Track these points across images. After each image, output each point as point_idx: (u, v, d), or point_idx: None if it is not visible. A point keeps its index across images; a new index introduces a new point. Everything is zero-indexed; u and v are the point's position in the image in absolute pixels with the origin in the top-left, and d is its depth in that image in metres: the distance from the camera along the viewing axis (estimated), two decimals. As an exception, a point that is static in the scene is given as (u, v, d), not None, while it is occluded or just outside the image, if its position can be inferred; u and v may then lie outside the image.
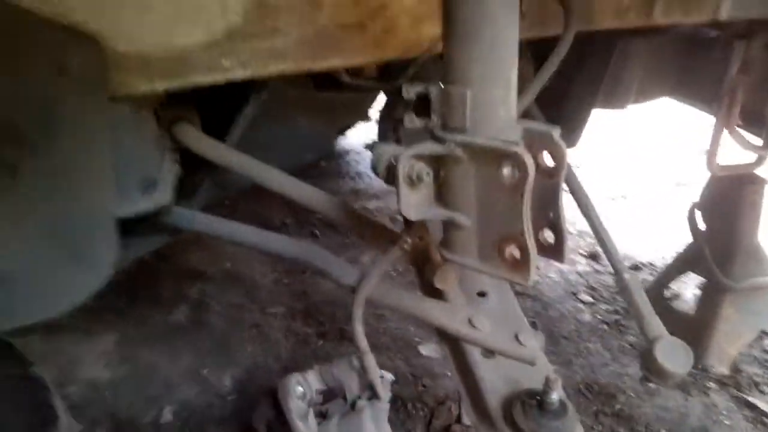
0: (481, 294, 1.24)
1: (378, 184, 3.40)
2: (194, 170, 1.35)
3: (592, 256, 2.65)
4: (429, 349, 1.94)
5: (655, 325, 1.02)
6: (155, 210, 1.19)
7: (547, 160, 0.86)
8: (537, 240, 0.87)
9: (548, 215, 0.89)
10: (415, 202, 0.88)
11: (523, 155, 0.80)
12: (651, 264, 2.60)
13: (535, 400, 0.98)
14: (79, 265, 1.04)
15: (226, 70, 0.97)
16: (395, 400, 1.69)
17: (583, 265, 2.61)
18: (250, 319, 2.08)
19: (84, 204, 1.02)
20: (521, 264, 0.85)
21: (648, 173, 3.65)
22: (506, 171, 0.83)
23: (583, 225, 2.93)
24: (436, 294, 1.24)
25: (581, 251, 2.72)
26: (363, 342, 1.15)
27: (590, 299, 2.33)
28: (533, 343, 1.06)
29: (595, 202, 1.41)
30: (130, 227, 1.15)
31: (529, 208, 0.82)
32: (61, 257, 1.02)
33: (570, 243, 2.80)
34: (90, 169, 1.00)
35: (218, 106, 1.33)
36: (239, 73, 0.99)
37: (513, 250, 0.86)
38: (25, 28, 0.82)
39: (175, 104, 1.21)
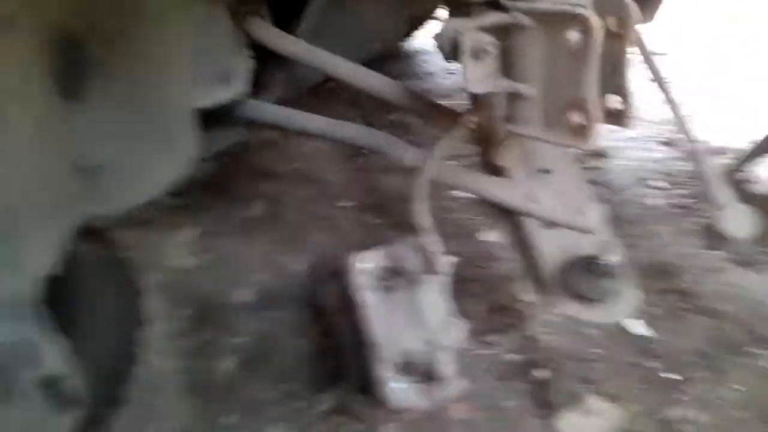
0: (545, 171, 1.25)
1: (447, 83, 3.35)
2: (267, 64, 1.40)
3: (669, 143, 2.56)
4: (490, 235, 1.99)
5: (723, 192, 1.00)
6: (231, 101, 1.26)
7: (616, 24, 0.85)
8: (603, 106, 0.88)
9: (615, 81, 0.88)
10: (480, 76, 0.89)
11: (589, 17, 0.79)
12: (735, 149, 2.48)
13: (591, 263, 1.02)
14: (162, 153, 1.12)
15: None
16: (458, 280, 1.76)
17: (658, 152, 2.54)
18: (322, 212, 2.16)
19: (166, 96, 1.08)
20: (585, 130, 0.86)
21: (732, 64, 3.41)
22: (573, 35, 0.82)
23: (661, 114, 2.81)
24: (499, 172, 1.26)
25: (658, 139, 2.63)
26: (425, 220, 1.20)
27: (663, 185, 2.29)
28: (594, 213, 1.08)
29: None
30: (209, 121, 1.22)
31: (595, 73, 0.82)
32: (147, 146, 1.10)
33: (646, 131, 2.70)
34: (170, 63, 1.06)
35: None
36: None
37: (577, 117, 0.87)
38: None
39: (246, 0, 1.23)
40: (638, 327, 1.60)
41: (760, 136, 1.88)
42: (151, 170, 1.11)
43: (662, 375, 1.48)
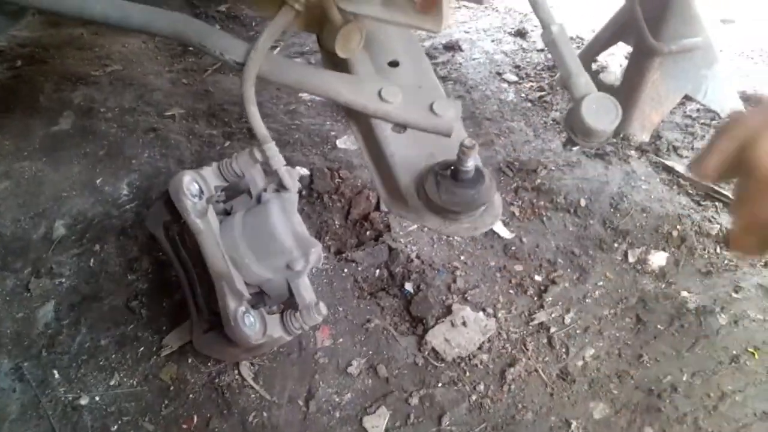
0: (393, 64, 1.08)
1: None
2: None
3: (519, 34, 2.48)
4: (346, 142, 1.82)
5: (584, 81, 0.90)
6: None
7: None
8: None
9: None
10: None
11: None
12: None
13: (450, 170, 0.89)
14: None
15: None
16: (312, 193, 1.60)
17: (509, 44, 2.44)
18: (146, 123, 1.85)
19: None
20: (431, 5, 0.68)
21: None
22: None
23: (510, 1, 2.71)
24: (342, 66, 1.07)
25: (508, 29, 2.54)
26: (261, 128, 1.00)
27: (515, 78, 2.21)
28: (450, 112, 0.94)
29: None
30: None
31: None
32: None
33: (496, 21, 2.60)
34: None
35: None
36: None
37: (422, -11, 0.68)
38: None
39: None
40: (501, 229, 1.56)
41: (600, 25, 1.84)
42: None
43: (528, 278, 1.45)
